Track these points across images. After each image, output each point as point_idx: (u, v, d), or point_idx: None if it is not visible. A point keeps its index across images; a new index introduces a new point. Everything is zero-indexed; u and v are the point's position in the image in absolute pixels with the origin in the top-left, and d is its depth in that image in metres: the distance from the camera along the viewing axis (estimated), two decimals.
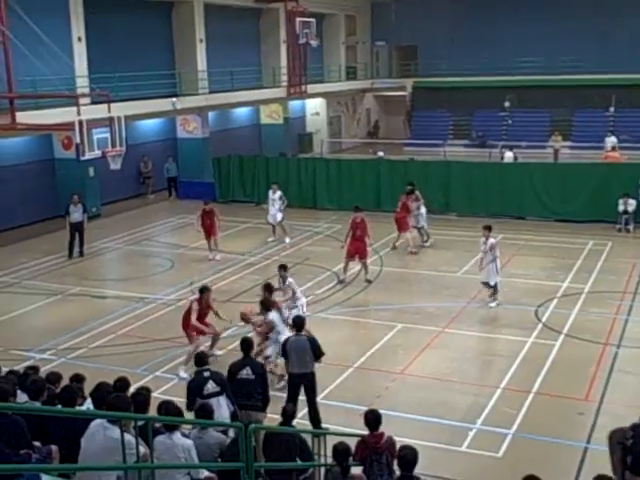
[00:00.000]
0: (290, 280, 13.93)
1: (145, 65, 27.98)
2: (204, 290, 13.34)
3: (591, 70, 37.18)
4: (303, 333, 10.82)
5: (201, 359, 9.66)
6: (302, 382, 10.61)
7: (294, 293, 13.78)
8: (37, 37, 21.79)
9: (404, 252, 20.51)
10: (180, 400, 8.77)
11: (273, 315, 12.22)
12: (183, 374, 12.75)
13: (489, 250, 15.71)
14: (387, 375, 12.85)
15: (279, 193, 21.95)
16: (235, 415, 9.20)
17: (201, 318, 13.21)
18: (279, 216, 21.93)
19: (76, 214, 20.95)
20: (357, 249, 17.80)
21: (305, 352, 10.62)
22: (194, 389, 9.35)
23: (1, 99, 20.67)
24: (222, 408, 9.12)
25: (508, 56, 39.33)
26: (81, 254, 21.05)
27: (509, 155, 29.71)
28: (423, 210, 21.03)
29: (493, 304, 15.99)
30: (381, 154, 32.34)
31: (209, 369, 9.54)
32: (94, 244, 22.26)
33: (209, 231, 20.22)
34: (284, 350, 10.75)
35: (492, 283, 15.94)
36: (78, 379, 8.99)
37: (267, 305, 12.31)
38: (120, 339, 14.83)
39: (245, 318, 12.84)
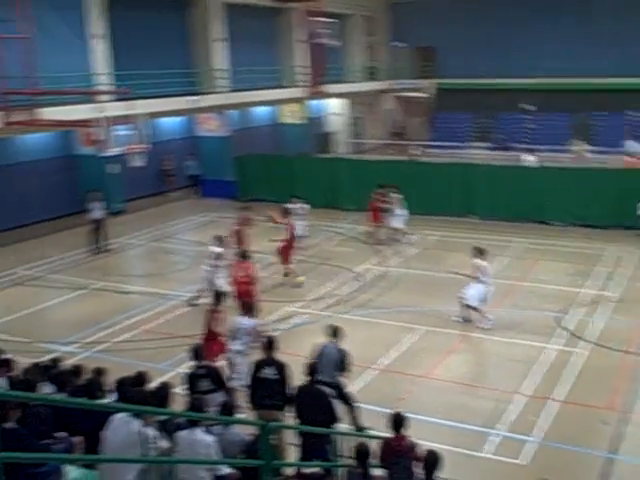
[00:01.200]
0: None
1: (165, 63, 28.19)
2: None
3: (611, 73, 37.00)
4: (334, 341, 10.61)
5: (196, 354, 9.66)
6: None
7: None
8: (60, 33, 22.02)
9: (423, 254, 20.66)
10: None
11: None
12: None
13: (478, 272, 15.03)
14: (410, 378, 12.83)
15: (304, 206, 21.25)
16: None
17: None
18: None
19: (97, 211, 21.12)
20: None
21: (332, 362, 10.39)
22: (188, 385, 9.46)
23: (23, 95, 20.83)
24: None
25: (528, 59, 39.21)
26: (105, 250, 21.19)
27: (531, 159, 29.55)
28: (400, 212, 21.59)
29: (486, 325, 15.12)
30: (417, 152, 32.89)
31: (207, 366, 9.53)
32: (118, 240, 22.41)
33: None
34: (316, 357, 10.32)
35: (473, 304, 15.11)
36: (100, 372, 9.07)
37: None
38: (143, 334, 14.95)
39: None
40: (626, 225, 22.59)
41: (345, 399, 10.55)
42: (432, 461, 7.16)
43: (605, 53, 37.70)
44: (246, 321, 11.26)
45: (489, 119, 40.66)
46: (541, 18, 40.27)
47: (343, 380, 10.58)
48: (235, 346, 11.13)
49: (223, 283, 15.23)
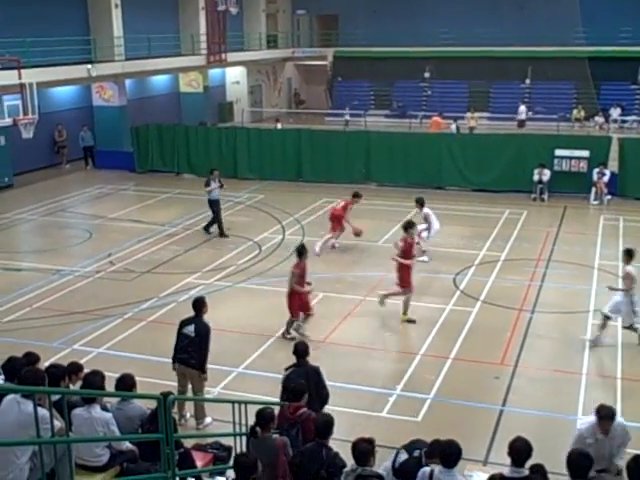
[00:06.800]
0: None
1: (58, 30, 27.00)
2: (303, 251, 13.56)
3: (508, 42, 37.82)
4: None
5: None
6: None
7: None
8: None
9: (322, 222, 20.57)
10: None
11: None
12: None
13: (423, 219, 17.29)
14: (309, 344, 12.84)
15: None
16: None
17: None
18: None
19: (217, 191, 19.31)
20: None
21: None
22: None
23: None
24: None
25: (428, 27, 39.58)
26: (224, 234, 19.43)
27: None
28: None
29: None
30: (279, 126, 31.73)
31: None
32: (6, 215, 21.51)
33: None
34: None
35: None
36: None
37: None
38: (36, 312, 14.41)
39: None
40: (521, 190, 23.29)
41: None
42: (322, 425, 7.21)
43: (504, 22, 38.29)
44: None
45: (387, 87, 41.01)
46: None
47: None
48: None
49: None
